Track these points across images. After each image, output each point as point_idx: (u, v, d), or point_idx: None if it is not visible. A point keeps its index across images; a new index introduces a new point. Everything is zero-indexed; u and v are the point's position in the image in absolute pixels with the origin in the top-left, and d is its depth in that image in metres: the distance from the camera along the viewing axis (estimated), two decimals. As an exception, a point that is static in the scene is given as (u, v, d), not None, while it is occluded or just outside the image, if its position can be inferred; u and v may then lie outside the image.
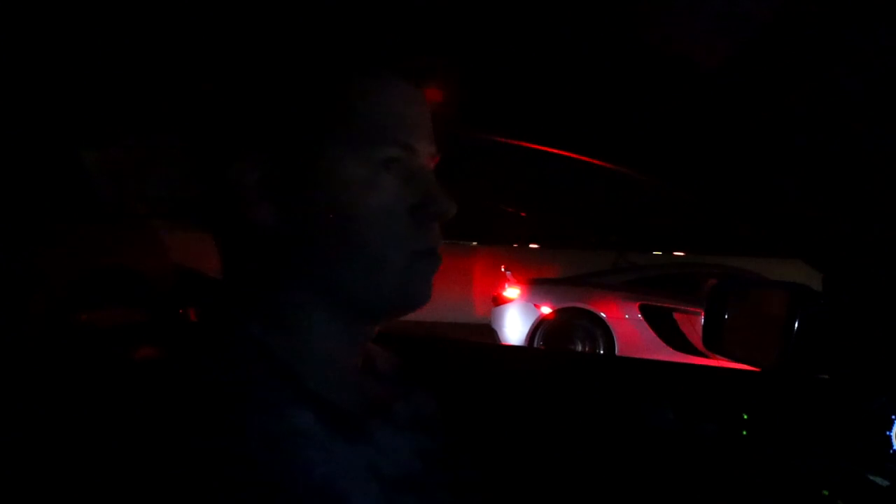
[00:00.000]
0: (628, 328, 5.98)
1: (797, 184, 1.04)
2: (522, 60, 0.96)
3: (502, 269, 6.51)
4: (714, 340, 1.02)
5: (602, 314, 6.04)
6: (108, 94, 0.82)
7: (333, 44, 0.57)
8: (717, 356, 1.02)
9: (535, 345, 6.01)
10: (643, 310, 5.99)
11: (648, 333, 5.92)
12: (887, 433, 0.89)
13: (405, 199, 0.57)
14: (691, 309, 5.88)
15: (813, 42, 0.87)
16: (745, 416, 1.14)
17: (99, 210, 0.88)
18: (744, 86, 0.96)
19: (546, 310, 6.10)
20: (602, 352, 5.96)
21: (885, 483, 0.88)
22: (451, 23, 0.76)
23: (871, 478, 0.90)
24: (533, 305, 6.10)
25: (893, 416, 0.89)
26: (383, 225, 0.56)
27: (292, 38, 0.58)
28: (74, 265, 0.82)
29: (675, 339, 5.87)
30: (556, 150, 1.13)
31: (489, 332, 6.31)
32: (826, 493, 0.95)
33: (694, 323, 5.85)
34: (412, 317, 0.61)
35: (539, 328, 6.07)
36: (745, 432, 1.15)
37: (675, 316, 5.94)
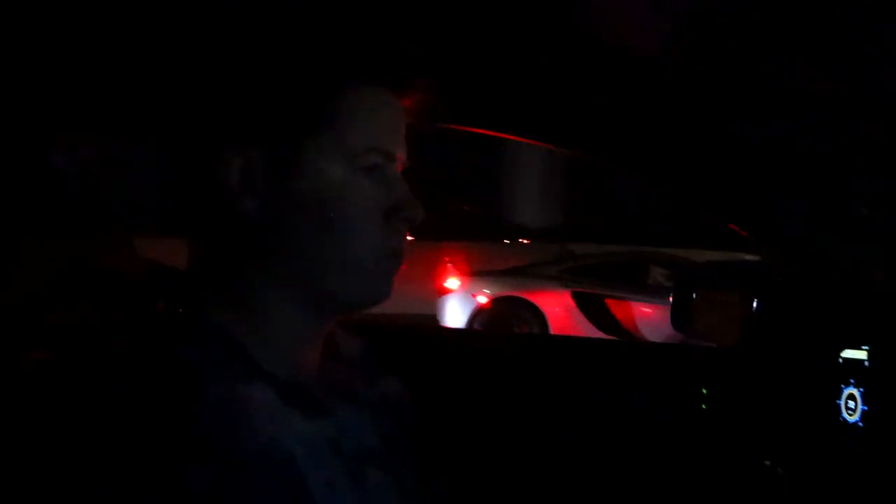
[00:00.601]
0: (561, 314, 6.23)
1: (746, 167, 1.10)
2: (485, 54, 0.99)
3: (445, 261, 6.65)
4: (682, 321, 1.07)
5: (535, 302, 6.26)
6: (83, 92, 0.79)
7: (328, 53, 0.60)
8: (687, 336, 1.08)
9: None
10: (575, 297, 6.23)
11: (580, 319, 6.17)
12: (836, 402, 0.96)
13: (381, 202, 0.61)
14: (622, 294, 6.16)
15: (759, 28, 0.93)
16: (704, 392, 1.21)
17: (70, 211, 0.85)
18: (694, 73, 1.01)
19: (482, 299, 6.28)
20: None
21: (826, 457, 0.95)
22: (428, 33, 0.78)
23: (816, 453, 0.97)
24: (471, 295, 6.26)
25: (842, 385, 0.96)
26: (360, 226, 0.60)
27: (288, 42, 0.60)
28: (45, 266, 0.78)
29: (606, 323, 6.13)
30: (513, 137, 1.15)
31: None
32: (768, 462, 1.02)
33: (626, 308, 6.13)
34: (376, 308, 0.66)
35: (476, 317, 6.24)
36: (704, 406, 1.21)
37: (607, 302, 6.20)
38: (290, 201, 0.58)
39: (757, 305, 1.03)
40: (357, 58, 0.60)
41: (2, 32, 0.68)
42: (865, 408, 0.91)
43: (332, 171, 0.58)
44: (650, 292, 6.16)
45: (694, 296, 1.08)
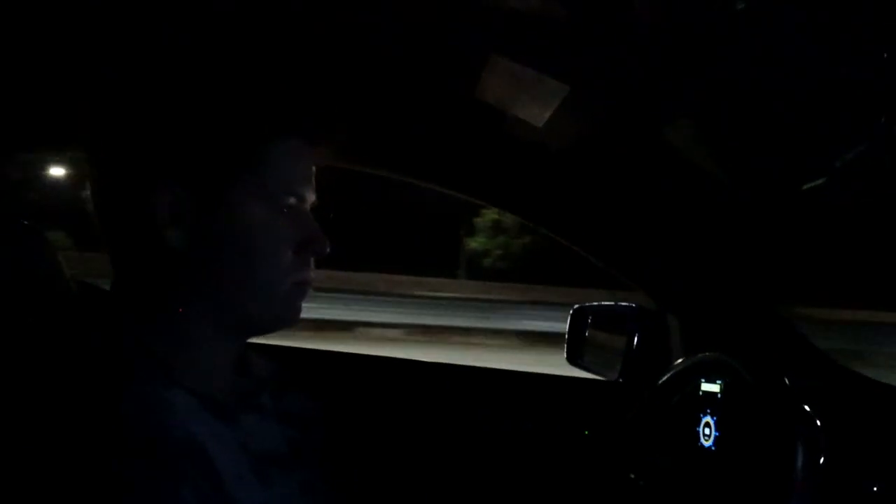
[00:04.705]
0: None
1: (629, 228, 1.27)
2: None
3: None
4: (575, 356, 1.20)
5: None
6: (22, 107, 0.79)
7: (256, 108, 0.67)
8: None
9: None
10: None
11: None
12: (696, 429, 1.12)
13: (292, 238, 0.69)
14: None
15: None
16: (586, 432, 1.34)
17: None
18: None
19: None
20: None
21: (684, 475, 1.09)
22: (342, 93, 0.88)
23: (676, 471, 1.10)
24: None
25: (701, 415, 1.12)
26: (273, 259, 0.67)
27: (222, 96, 0.66)
28: None
29: None
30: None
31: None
32: (632, 476, 1.15)
33: None
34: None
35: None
36: (586, 432, 1.35)
37: None
38: (214, 235, 0.65)
39: (636, 344, 1.18)
40: (280, 113, 0.68)
41: None
42: (718, 434, 1.05)
43: (253, 210, 0.66)
44: None
45: (586, 334, 1.22)
